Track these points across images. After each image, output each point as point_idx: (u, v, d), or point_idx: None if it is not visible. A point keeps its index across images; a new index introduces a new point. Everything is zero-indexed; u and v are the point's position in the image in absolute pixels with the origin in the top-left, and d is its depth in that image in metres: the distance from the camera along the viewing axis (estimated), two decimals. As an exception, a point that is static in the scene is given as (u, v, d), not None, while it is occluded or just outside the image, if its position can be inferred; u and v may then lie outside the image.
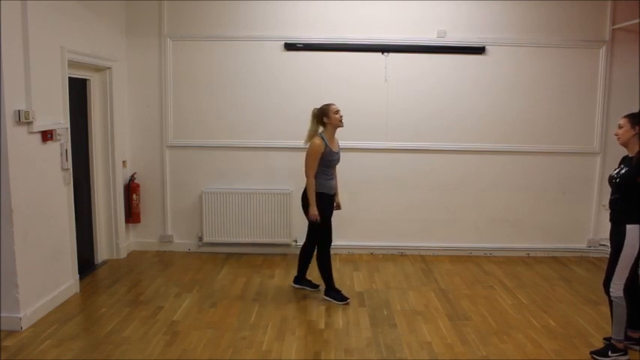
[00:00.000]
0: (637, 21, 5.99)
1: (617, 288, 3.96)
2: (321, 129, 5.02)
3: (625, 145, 3.98)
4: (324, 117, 4.95)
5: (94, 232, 6.03)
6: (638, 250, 3.87)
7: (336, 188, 5.21)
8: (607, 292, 4.06)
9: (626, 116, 3.96)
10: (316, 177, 4.93)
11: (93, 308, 4.88)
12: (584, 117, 6.42)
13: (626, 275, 3.93)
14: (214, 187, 6.45)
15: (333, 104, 4.99)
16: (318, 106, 5.02)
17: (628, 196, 3.91)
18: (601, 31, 6.29)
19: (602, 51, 6.30)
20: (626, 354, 4.01)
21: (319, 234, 5.05)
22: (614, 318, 4.00)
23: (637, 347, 4.19)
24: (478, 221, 6.56)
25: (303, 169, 4.96)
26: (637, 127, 3.86)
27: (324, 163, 4.94)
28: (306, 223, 5.11)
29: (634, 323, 4.14)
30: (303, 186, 6.36)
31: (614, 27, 6.23)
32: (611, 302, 4.03)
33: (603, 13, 6.26)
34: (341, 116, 4.98)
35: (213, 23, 6.29)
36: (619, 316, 3.97)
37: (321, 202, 4.95)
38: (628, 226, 3.88)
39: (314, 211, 4.90)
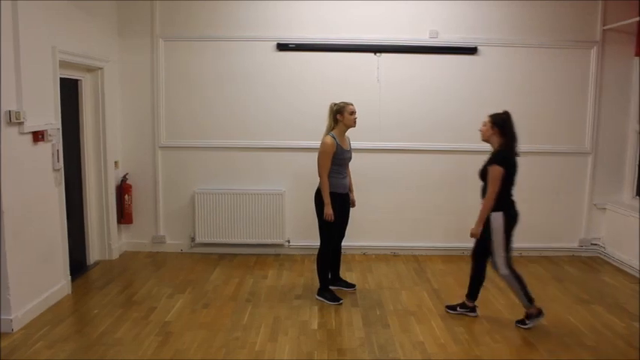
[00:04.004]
0: (627, 22, 6.03)
1: (501, 267, 4.49)
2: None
3: (487, 141, 4.59)
4: (339, 114, 4.96)
5: (85, 233, 6.01)
6: (502, 233, 4.42)
7: (350, 186, 5.25)
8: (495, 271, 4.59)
9: (490, 116, 4.55)
10: (329, 176, 4.93)
11: (85, 309, 4.85)
12: (575, 117, 6.45)
13: (502, 254, 4.45)
14: (207, 188, 6.44)
15: (351, 105, 5.00)
16: (337, 102, 5.02)
17: (488, 185, 4.47)
18: (592, 31, 6.32)
19: (593, 51, 6.33)
20: (540, 314, 4.53)
21: (327, 233, 5.04)
22: (514, 292, 4.56)
23: (472, 314, 4.77)
24: (471, 221, 6.54)
25: (317, 169, 4.95)
26: (496, 128, 4.48)
27: (336, 162, 4.94)
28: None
29: (473, 293, 4.76)
30: (296, 186, 6.41)
31: (605, 27, 6.26)
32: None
33: (594, 13, 6.29)
34: (355, 118, 5.00)
35: (205, 23, 6.28)
36: (516, 290, 4.51)
37: (333, 202, 4.93)
38: (492, 214, 4.46)
39: (329, 210, 4.89)
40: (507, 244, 4.47)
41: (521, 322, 4.57)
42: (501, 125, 4.47)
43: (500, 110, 4.58)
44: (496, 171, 4.39)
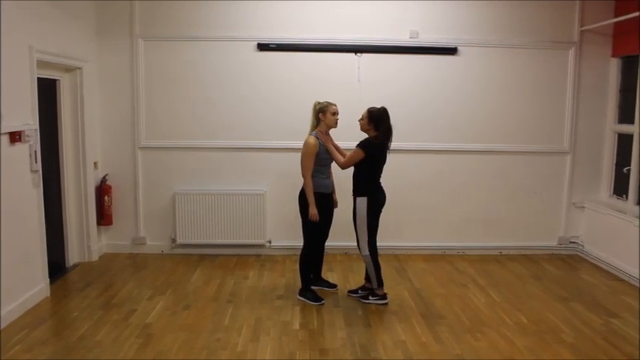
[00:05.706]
0: (604, 23, 6.12)
1: (363, 249, 4.97)
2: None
3: (364, 132, 4.95)
4: (321, 114, 4.98)
5: (64, 235, 5.93)
6: (366, 216, 4.86)
7: (332, 186, 5.24)
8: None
9: (368, 111, 4.91)
10: (312, 176, 4.93)
11: (64, 312, 4.80)
12: (554, 117, 6.52)
13: (366, 237, 4.92)
14: (187, 189, 6.40)
15: (334, 105, 5.02)
16: (321, 100, 5.04)
17: (356, 172, 4.93)
18: (570, 32, 6.40)
19: (571, 52, 6.40)
20: (385, 298, 5.04)
21: (312, 233, 5.04)
22: (369, 273, 5.04)
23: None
24: (451, 220, 6.62)
25: (300, 169, 4.95)
26: (372, 124, 4.86)
27: (319, 162, 4.94)
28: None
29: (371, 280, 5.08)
30: (277, 186, 6.39)
31: (583, 28, 6.34)
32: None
33: (571, 14, 6.36)
34: (337, 119, 5.02)
35: (185, 23, 6.24)
36: (371, 271, 5.01)
37: (317, 202, 4.93)
38: (357, 198, 4.91)
39: (314, 210, 4.89)
40: (371, 227, 4.93)
41: (364, 296, 5.11)
42: (376, 121, 4.87)
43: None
44: (357, 153, 4.83)
